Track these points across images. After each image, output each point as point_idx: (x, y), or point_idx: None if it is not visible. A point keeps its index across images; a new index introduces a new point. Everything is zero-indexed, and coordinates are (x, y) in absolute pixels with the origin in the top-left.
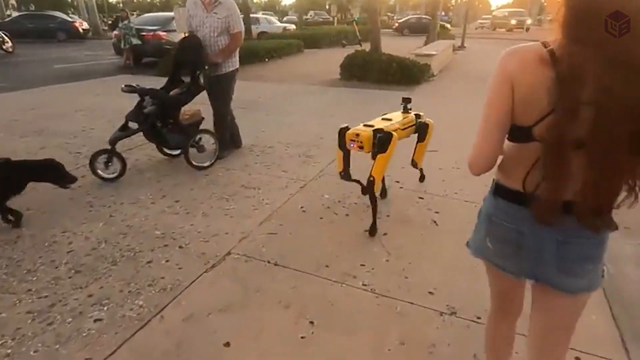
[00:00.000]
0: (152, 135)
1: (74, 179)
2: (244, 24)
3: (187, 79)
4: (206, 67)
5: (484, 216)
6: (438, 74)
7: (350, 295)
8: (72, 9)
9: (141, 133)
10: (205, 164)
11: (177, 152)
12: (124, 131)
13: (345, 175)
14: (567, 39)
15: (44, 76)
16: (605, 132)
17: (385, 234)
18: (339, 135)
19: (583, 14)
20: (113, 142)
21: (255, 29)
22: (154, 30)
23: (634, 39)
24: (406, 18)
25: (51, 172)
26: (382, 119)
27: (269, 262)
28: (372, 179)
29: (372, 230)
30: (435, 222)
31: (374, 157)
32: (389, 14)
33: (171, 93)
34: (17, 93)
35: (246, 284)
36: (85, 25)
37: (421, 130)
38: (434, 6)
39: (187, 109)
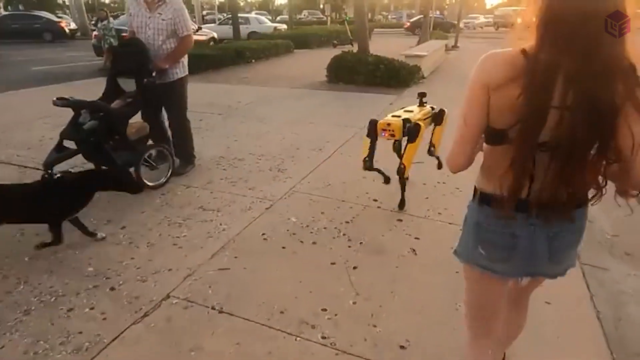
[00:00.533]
0: (94, 155)
1: (141, 186)
2: (232, 23)
3: (125, 87)
4: (154, 75)
5: (472, 225)
6: (429, 75)
7: (306, 352)
8: (62, 9)
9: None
10: (161, 181)
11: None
12: (61, 152)
13: (370, 162)
14: (540, 45)
15: (18, 79)
16: (572, 135)
17: (355, 267)
18: (369, 126)
19: (554, 21)
20: (48, 165)
21: (245, 29)
22: None
23: (600, 44)
24: (417, 17)
25: (118, 179)
26: (405, 111)
27: (213, 308)
28: (402, 166)
29: (402, 204)
30: (413, 250)
31: (395, 150)
32: (384, 13)
33: (113, 105)
34: None
35: (180, 341)
36: (73, 26)
37: (438, 116)
38: (427, 5)
39: (132, 123)
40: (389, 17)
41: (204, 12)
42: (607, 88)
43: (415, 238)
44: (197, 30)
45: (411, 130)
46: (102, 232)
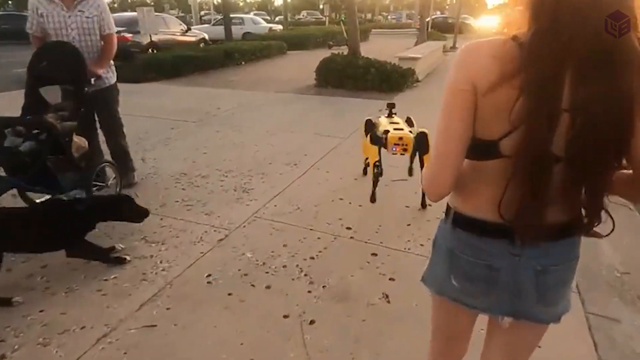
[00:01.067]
0: (36, 182)
1: (146, 212)
2: (224, 23)
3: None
4: (93, 82)
5: (443, 250)
6: (424, 78)
7: None
8: None
9: None
10: None
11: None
12: None
13: (380, 168)
14: (538, 28)
15: None
16: (589, 141)
17: (312, 322)
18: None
19: None
20: None
21: (239, 30)
22: (119, 32)
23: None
24: (432, 17)
25: (125, 207)
26: (390, 122)
27: None
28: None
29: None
30: (386, 296)
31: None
32: (384, 13)
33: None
34: None
35: None
36: None
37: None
38: (424, 5)
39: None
40: (389, 17)
41: (202, 13)
42: (626, 76)
43: (390, 279)
44: (186, 31)
45: (420, 141)
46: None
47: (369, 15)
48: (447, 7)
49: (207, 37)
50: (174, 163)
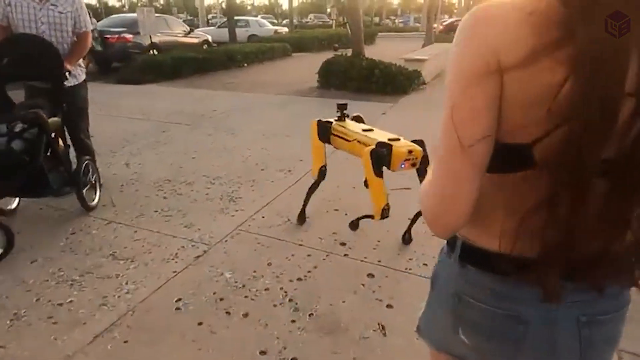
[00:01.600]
0: (27, 185)
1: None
2: (228, 26)
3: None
4: (68, 77)
5: (447, 295)
6: (431, 81)
7: None
8: None
9: None
10: (96, 201)
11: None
12: None
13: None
14: None
15: None
16: None
17: (293, 359)
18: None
19: None
20: None
21: (244, 32)
22: (119, 33)
23: None
24: (451, 20)
25: None
26: (367, 130)
27: None
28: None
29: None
30: (382, 328)
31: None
32: (392, 17)
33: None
34: None
35: None
36: None
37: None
38: (432, 8)
39: None
40: (397, 21)
41: (210, 16)
42: None
43: (388, 306)
44: (189, 33)
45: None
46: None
47: (376, 19)
48: (455, 10)
49: (210, 39)
50: (159, 168)
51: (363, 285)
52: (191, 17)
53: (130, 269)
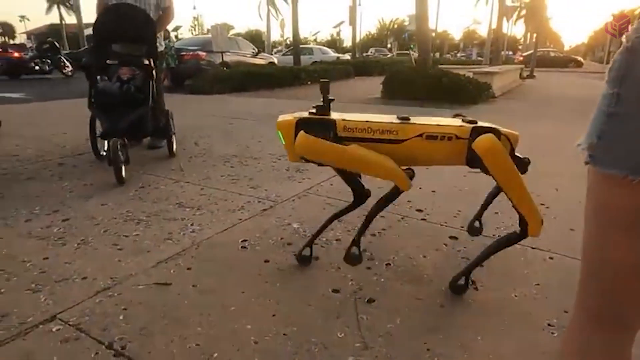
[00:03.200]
0: (140, 123)
1: None
2: (294, 54)
3: None
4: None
5: None
6: (500, 96)
7: None
8: None
9: None
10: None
11: None
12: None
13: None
14: None
15: (78, 92)
16: None
17: (370, 300)
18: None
19: None
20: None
21: (308, 60)
22: (194, 51)
23: None
24: (530, 52)
25: None
26: (402, 119)
27: (108, 347)
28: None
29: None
30: (473, 282)
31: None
32: (454, 52)
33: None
34: (30, 104)
35: None
36: None
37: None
38: (497, 38)
39: None
40: (458, 55)
41: (274, 50)
42: None
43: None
44: (257, 54)
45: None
46: (41, 222)
47: (436, 55)
48: (519, 46)
49: (276, 61)
50: (226, 147)
51: (445, 245)
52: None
53: (196, 214)
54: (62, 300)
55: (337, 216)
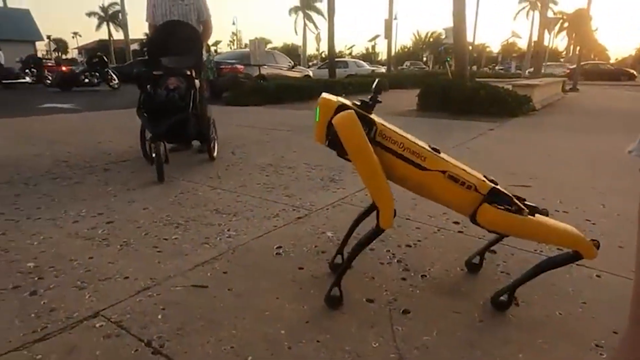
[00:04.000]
0: (181, 128)
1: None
2: (329, 68)
3: None
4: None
5: None
6: (541, 109)
7: None
8: None
9: None
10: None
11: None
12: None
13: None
14: None
15: (123, 103)
16: None
17: (405, 311)
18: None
19: None
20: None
21: (343, 73)
22: (232, 64)
23: None
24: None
25: None
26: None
27: (148, 344)
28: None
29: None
30: (514, 298)
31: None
32: (492, 65)
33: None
34: (79, 114)
35: None
36: None
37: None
38: (538, 51)
39: None
40: (496, 68)
41: (310, 64)
42: None
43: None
44: (292, 67)
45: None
46: (87, 223)
47: (473, 68)
48: (562, 58)
49: (311, 74)
50: (262, 156)
51: (484, 258)
52: (294, 63)
53: (232, 220)
54: (105, 298)
55: (358, 221)
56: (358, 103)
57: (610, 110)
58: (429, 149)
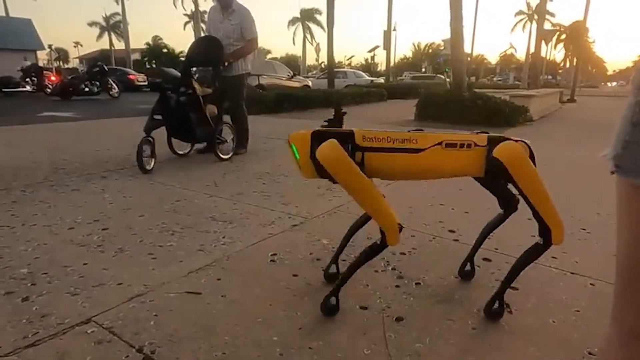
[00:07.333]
0: (180, 127)
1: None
2: (328, 75)
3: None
4: (222, 67)
5: None
6: (538, 119)
7: None
8: None
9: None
10: (230, 154)
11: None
12: (153, 122)
13: None
14: None
15: (122, 112)
16: None
17: (399, 318)
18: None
19: None
20: (148, 130)
21: (342, 83)
22: None
23: None
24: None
25: None
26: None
27: (139, 350)
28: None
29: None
30: (507, 305)
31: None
32: (490, 76)
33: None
34: (78, 123)
35: None
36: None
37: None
38: (535, 62)
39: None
40: (495, 79)
41: (309, 74)
42: None
43: (512, 288)
44: (292, 77)
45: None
46: (83, 230)
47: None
48: (560, 70)
49: (310, 84)
50: (259, 165)
51: (479, 266)
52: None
53: (228, 228)
54: (97, 304)
55: (353, 230)
56: (325, 124)
57: (606, 121)
58: (414, 130)
